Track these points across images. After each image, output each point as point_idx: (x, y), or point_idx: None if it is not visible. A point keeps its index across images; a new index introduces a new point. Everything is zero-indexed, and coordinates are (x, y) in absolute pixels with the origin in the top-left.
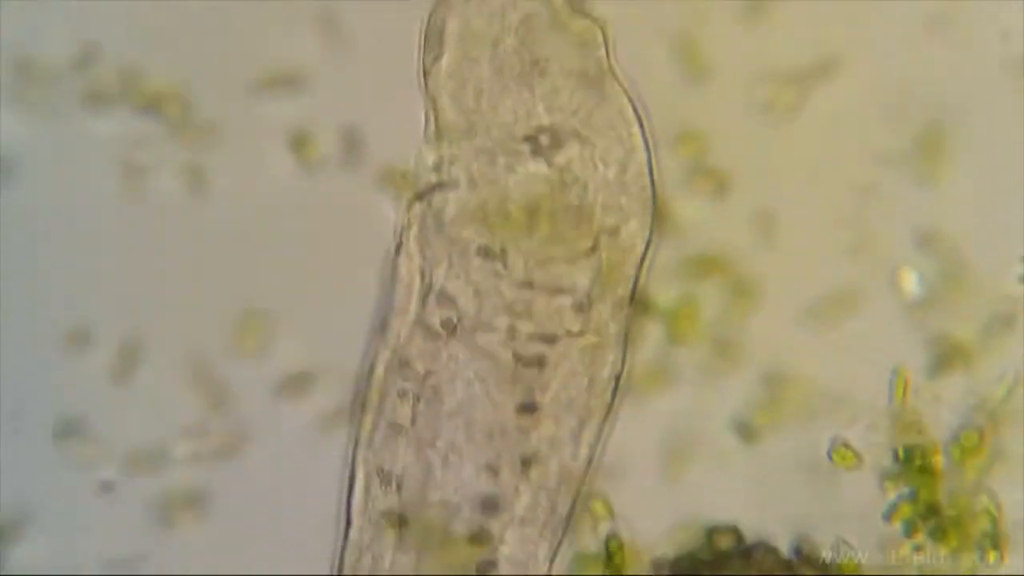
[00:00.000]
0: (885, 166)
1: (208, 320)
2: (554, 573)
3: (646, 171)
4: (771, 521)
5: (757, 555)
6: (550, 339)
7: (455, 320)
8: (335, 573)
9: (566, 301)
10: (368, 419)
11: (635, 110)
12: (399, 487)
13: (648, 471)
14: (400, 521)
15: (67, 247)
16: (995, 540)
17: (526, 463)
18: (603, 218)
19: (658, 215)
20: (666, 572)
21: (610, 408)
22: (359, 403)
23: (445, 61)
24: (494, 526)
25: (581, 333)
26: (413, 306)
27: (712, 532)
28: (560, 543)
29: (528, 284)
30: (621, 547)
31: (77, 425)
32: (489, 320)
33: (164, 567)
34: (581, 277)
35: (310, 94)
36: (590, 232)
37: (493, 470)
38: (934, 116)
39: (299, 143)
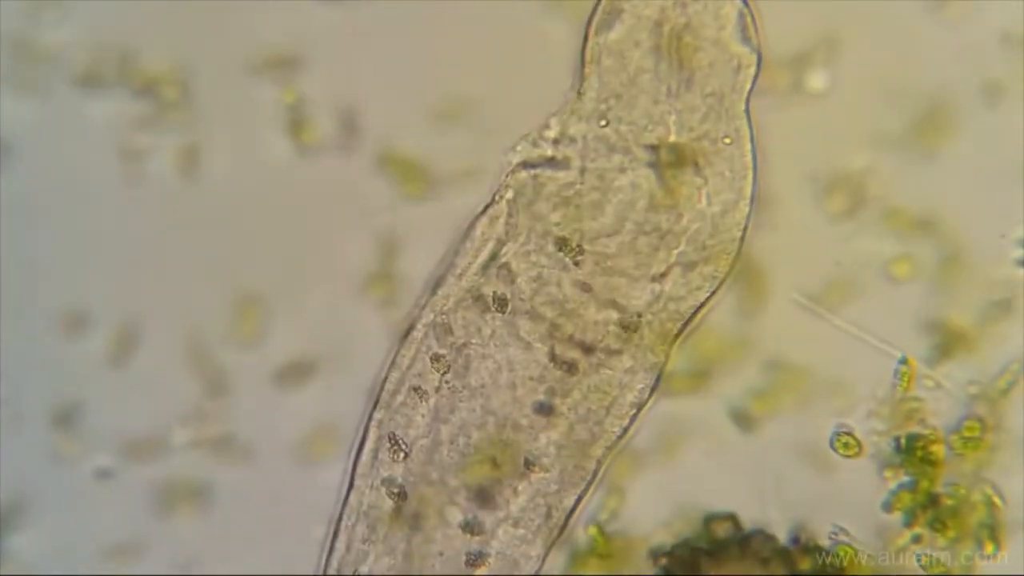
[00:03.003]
0: (882, 148)
1: (205, 305)
2: (548, 573)
3: (742, 223)
4: (769, 509)
5: (755, 543)
6: (588, 348)
7: (509, 297)
8: (330, 534)
9: (614, 315)
10: (393, 378)
11: (754, 158)
12: (406, 456)
13: (645, 459)
14: (400, 494)
15: (63, 230)
16: (993, 531)
17: (529, 464)
18: (684, 251)
19: (735, 269)
20: (663, 560)
21: (624, 433)
22: (390, 360)
23: (612, 36)
24: (487, 519)
25: (619, 352)
26: (473, 270)
27: (709, 520)
28: (552, 546)
29: (587, 287)
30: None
31: (74, 411)
32: (537, 310)
33: (163, 555)
34: (638, 298)
35: (307, 75)
36: (666, 259)
37: (496, 463)
38: (932, 98)
39: (296, 126)
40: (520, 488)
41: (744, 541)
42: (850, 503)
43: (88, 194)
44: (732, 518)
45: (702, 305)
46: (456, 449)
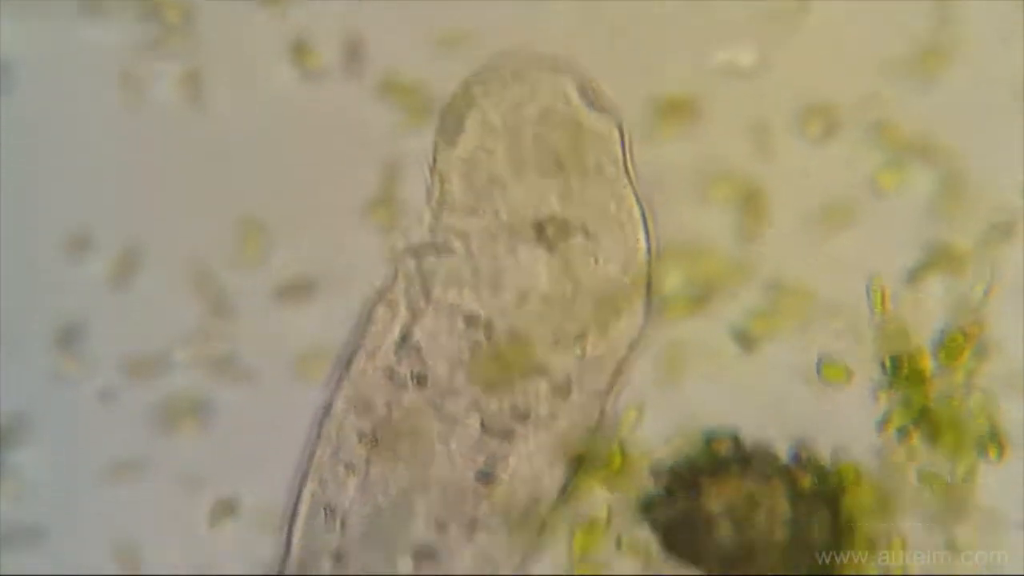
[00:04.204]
0: (886, 74)
1: (207, 228)
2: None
3: (645, 273)
4: (769, 428)
5: (756, 461)
6: (522, 416)
7: (426, 374)
8: None
9: (544, 384)
10: (321, 453)
11: (643, 211)
12: (343, 525)
13: (646, 379)
14: (337, 556)
15: (66, 154)
16: (994, 436)
17: (473, 526)
18: (592, 311)
19: (650, 318)
20: (664, 479)
21: (565, 489)
22: (315, 433)
23: (459, 149)
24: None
25: (554, 416)
26: (383, 351)
27: (711, 438)
28: None
29: (505, 359)
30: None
31: (77, 332)
32: (460, 387)
33: (164, 473)
34: (562, 362)
35: (312, 3)
36: (579, 322)
37: (441, 525)
38: (936, 24)
39: (299, 52)
40: (466, 552)
41: (745, 459)
42: (848, 422)
43: (90, 117)
44: (733, 436)
45: (623, 360)
46: (398, 516)
